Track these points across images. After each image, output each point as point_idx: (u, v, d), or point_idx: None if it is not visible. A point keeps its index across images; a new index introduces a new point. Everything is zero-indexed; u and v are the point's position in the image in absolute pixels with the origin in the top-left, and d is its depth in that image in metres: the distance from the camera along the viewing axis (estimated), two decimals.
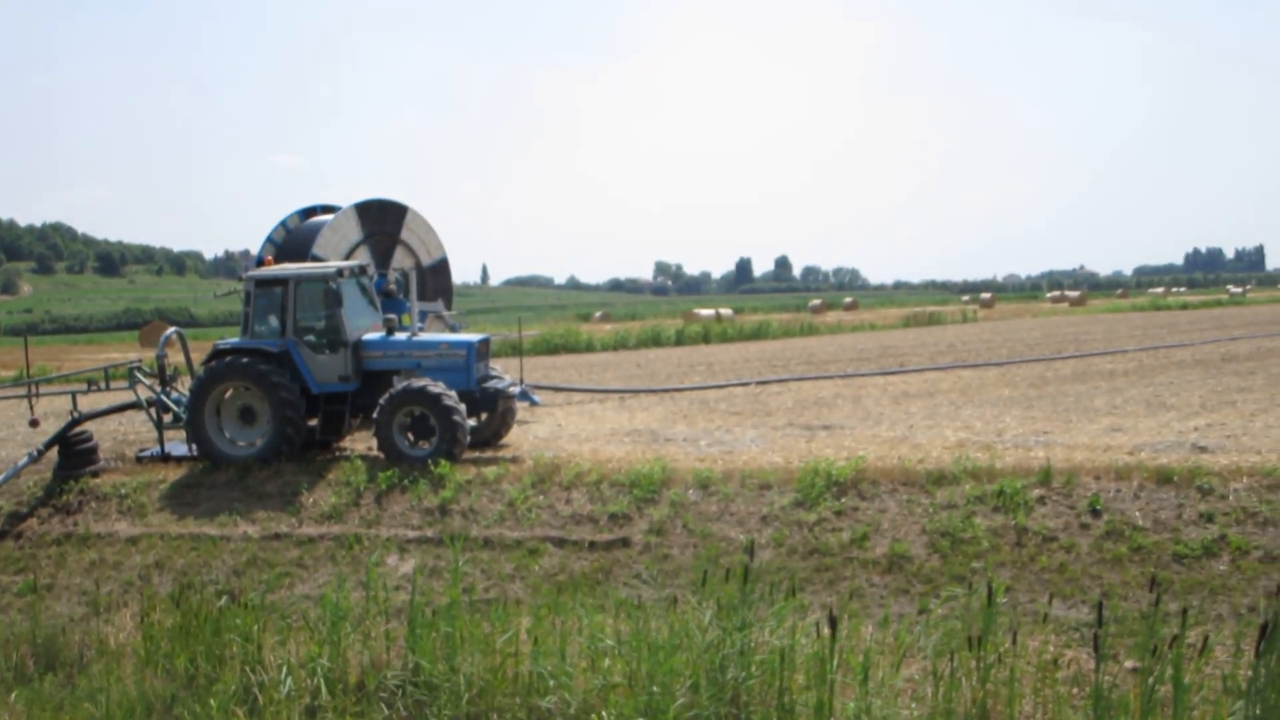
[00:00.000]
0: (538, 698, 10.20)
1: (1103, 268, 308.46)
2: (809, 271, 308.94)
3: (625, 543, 13.85)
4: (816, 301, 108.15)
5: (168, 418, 19.39)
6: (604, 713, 9.47)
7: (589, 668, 10.32)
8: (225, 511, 15.97)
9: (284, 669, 10.97)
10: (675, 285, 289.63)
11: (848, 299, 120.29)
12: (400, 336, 18.33)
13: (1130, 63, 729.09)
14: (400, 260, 25.92)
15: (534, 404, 19.31)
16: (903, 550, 12.71)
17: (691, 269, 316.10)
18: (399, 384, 17.27)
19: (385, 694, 10.74)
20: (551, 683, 10.18)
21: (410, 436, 16.90)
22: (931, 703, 9.32)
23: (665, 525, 13.98)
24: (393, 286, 23.35)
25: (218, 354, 17.98)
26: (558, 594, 12.39)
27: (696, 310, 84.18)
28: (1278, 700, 7.92)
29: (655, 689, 9.56)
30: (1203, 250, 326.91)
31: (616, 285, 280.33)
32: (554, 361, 40.04)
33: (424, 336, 18.75)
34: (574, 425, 20.74)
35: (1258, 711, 7.85)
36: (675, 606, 10.87)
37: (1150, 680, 8.52)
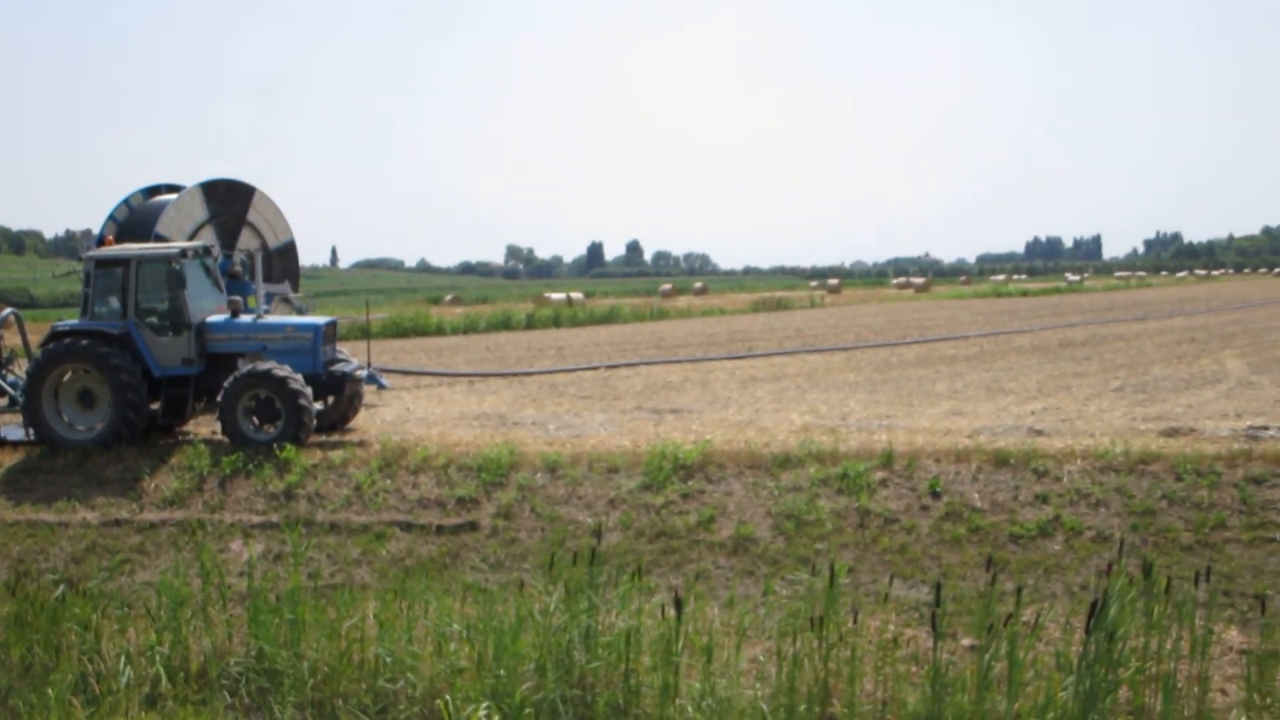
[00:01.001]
0: (384, 682, 10.12)
1: (947, 255, 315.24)
2: (660, 256, 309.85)
3: (473, 526, 13.80)
4: (667, 286, 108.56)
5: (3, 401, 18.84)
6: (450, 696, 9.42)
7: (435, 652, 10.26)
8: (64, 497, 15.54)
9: (123, 658, 10.72)
10: (527, 269, 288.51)
11: (698, 284, 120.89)
12: (245, 319, 17.99)
13: (970, 57, 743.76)
14: (246, 242, 25.52)
15: (382, 388, 19.12)
16: (748, 532, 12.85)
17: (543, 253, 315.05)
18: (244, 367, 16.95)
19: (227, 682, 10.56)
20: (397, 667, 10.11)
21: (255, 420, 16.62)
22: (775, 682, 9.44)
23: (513, 509, 13.95)
24: (238, 268, 22.96)
25: (56, 335, 17.46)
26: (404, 578, 12.29)
27: (548, 294, 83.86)
28: (1105, 674, 8.18)
29: (502, 672, 9.55)
30: (1043, 239, 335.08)
31: (468, 268, 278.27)
32: (403, 345, 39.66)
33: (270, 319, 18.44)
34: (422, 409, 20.59)
35: (1087, 685, 8.08)
36: (522, 590, 10.85)
37: (986, 657, 8.73)
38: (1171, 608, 9.30)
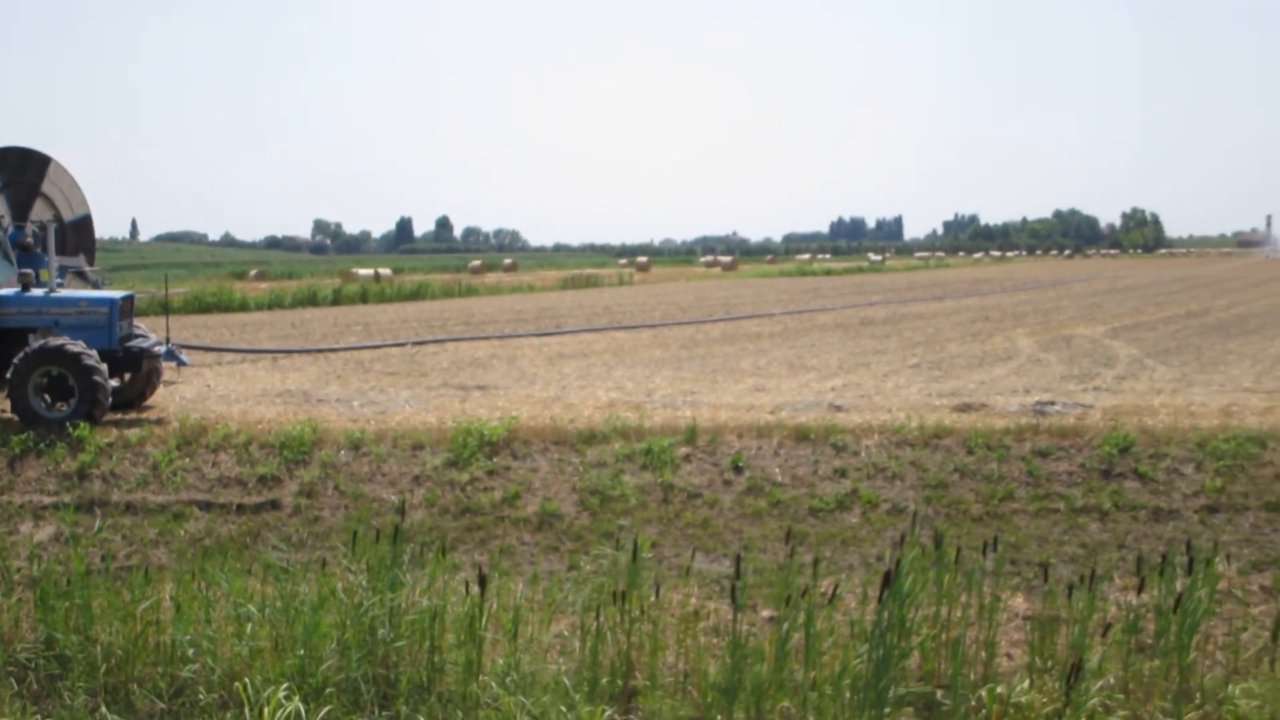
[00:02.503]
0: (180, 666, 9.92)
1: (754, 234, 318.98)
2: (470, 233, 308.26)
3: (274, 505, 13.58)
4: (476, 263, 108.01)
5: None
6: (249, 679, 9.28)
7: (235, 634, 10.09)
8: None
9: None
10: (334, 244, 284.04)
11: (507, 260, 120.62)
12: (37, 292, 17.35)
13: (775, 40, 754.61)
14: (40, 213, 24.69)
15: (181, 364, 18.63)
16: (553, 508, 12.90)
17: (352, 228, 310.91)
18: (35, 343, 16.36)
19: (15, 669, 10.22)
20: (194, 650, 9.92)
21: (47, 398, 16.07)
22: (579, 656, 9.51)
23: (316, 487, 13.77)
24: (30, 240, 22.19)
25: None
26: (203, 559, 12.05)
27: (355, 270, 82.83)
28: (898, 641, 8.42)
29: (303, 652, 9.43)
30: (847, 220, 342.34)
31: (274, 243, 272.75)
32: (205, 320, 38.76)
33: (63, 293, 17.82)
34: (224, 386, 20.18)
35: (880, 653, 8.32)
36: (325, 569, 10.73)
37: (785, 627, 8.91)
38: (961, 576, 9.61)
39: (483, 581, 9.50)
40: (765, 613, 10.46)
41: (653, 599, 9.71)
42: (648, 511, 12.75)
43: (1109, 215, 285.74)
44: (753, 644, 9.18)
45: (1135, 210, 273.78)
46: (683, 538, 12.27)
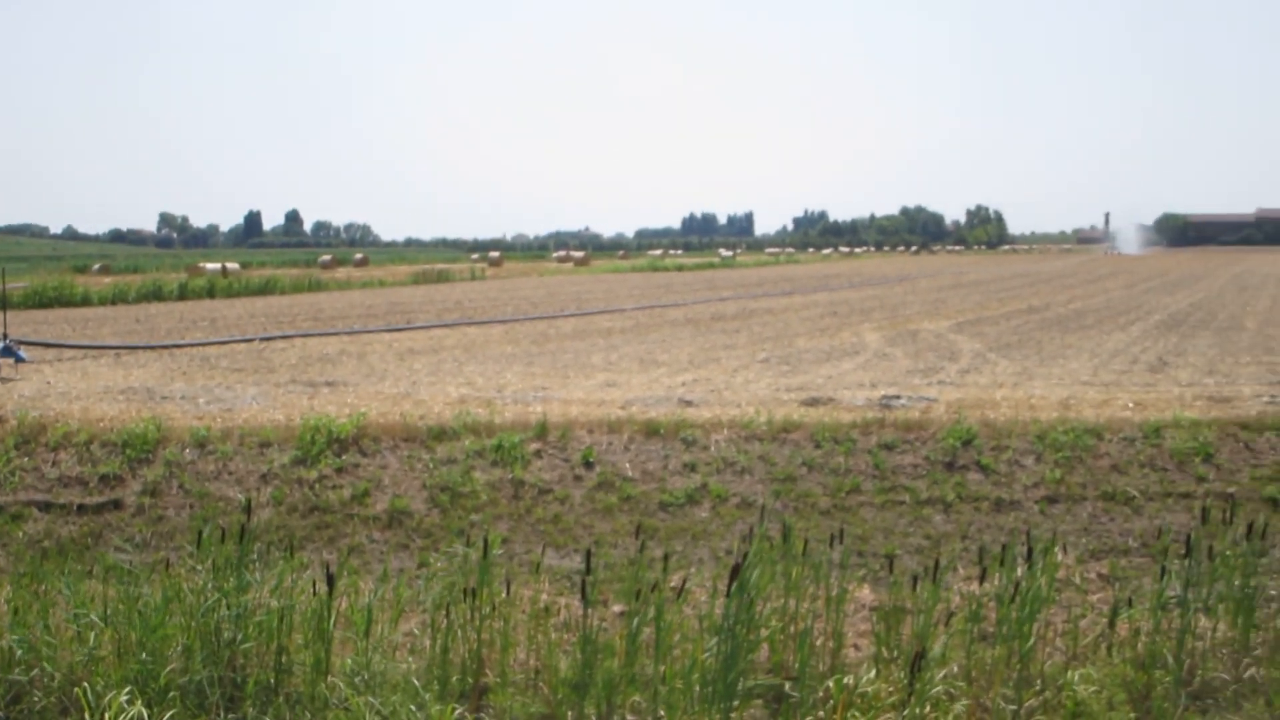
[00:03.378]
0: (17, 673, 9.64)
1: (607, 230, 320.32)
2: (320, 227, 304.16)
3: (117, 505, 13.26)
4: (327, 257, 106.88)
5: None
6: (90, 684, 9.05)
7: (75, 638, 9.83)
8: None
9: None
10: (181, 238, 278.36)
11: (359, 255, 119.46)
12: None
13: (627, 36, 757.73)
14: None
15: (20, 361, 18.15)
16: (403, 505, 12.79)
17: (199, 221, 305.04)
18: None
19: None
20: (32, 656, 9.64)
21: None
22: (429, 655, 9.43)
23: (160, 486, 13.48)
24: None
25: None
26: (41, 561, 11.72)
27: (202, 264, 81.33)
28: (746, 634, 8.49)
29: (145, 656, 9.23)
30: (699, 216, 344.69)
31: (118, 236, 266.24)
32: (45, 316, 37.75)
33: None
34: (64, 383, 19.64)
35: (729, 647, 8.38)
36: (169, 570, 10.50)
37: (635, 622, 8.93)
38: (809, 569, 9.73)
39: (330, 580, 9.38)
40: (616, 608, 10.49)
41: (504, 596, 9.67)
42: (499, 508, 12.70)
43: (954, 212, 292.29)
44: (603, 639, 9.19)
45: (979, 207, 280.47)
46: (534, 534, 12.26)
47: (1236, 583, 9.76)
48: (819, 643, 9.49)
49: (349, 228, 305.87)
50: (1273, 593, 10.43)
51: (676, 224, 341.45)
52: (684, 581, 9.78)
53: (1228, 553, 9.96)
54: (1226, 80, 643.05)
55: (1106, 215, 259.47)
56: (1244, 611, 9.64)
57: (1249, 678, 9.27)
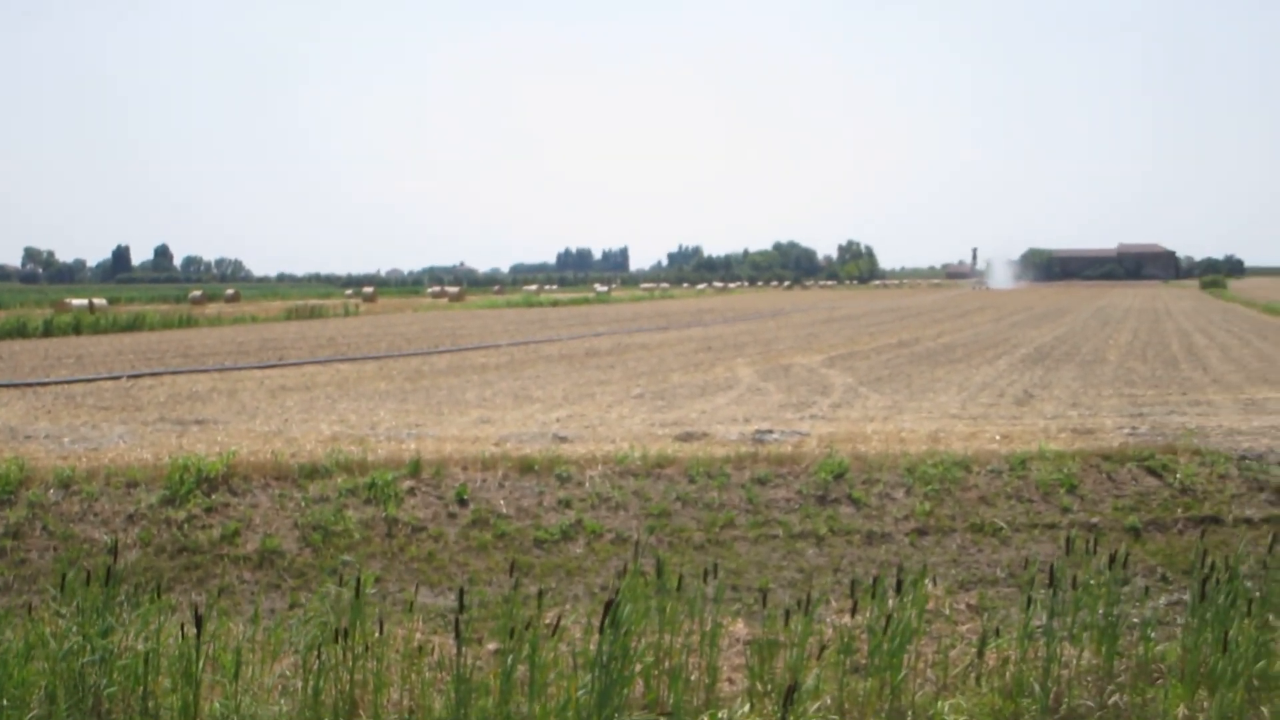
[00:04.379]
0: None
1: (482, 265, 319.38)
2: (191, 261, 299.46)
3: None
4: (197, 293, 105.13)
5: None
6: None
7: None
8: None
9: None
10: (46, 273, 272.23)
11: (230, 290, 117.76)
12: None
13: (497, 71, 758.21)
14: None
15: None
16: (275, 545, 12.61)
17: (65, 255, 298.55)
18: None
19: None
20: None
21: None
22: (301, 697, 9.30)
23: (22, 528, 13.13)
24: None
25: None
26: None
27: (69, 300, 79.58)
28: (619, 670, 8.50)
29: (5, 703, 8.99)
30: (574, 251, 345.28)
31: None
32: None
33: None
34: None
35: (603, 683, 8.38)
36: (32, 614, 10.24)
37: (509, 660, 8.89)
38: (683, 603, 9.76)
39: (199, 622, 9.21)
40: (491, 645, 10.43)
41: (377, 635, 9.57)
42: (371, 546, 12.58)
43: (826, 248, 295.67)
44: (478, 678, 9.13)
45: (851, 243, 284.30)
46: (408, 572, 12.15)
47: (1100, 611, 9.98)
48: (693, 677, 9.52)
49: (220, 263, 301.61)
50: (1135, 620, 10.67)
51: (552, 259, 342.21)
52: (558, 618, 9.76)
53: (1091, 582, 10.18)
54: (1087, 121, 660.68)
55: (974, 250, 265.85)
56: (1107, 639, 9.86)
57: (1112, 704, 9.48)
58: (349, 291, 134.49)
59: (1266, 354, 34.79)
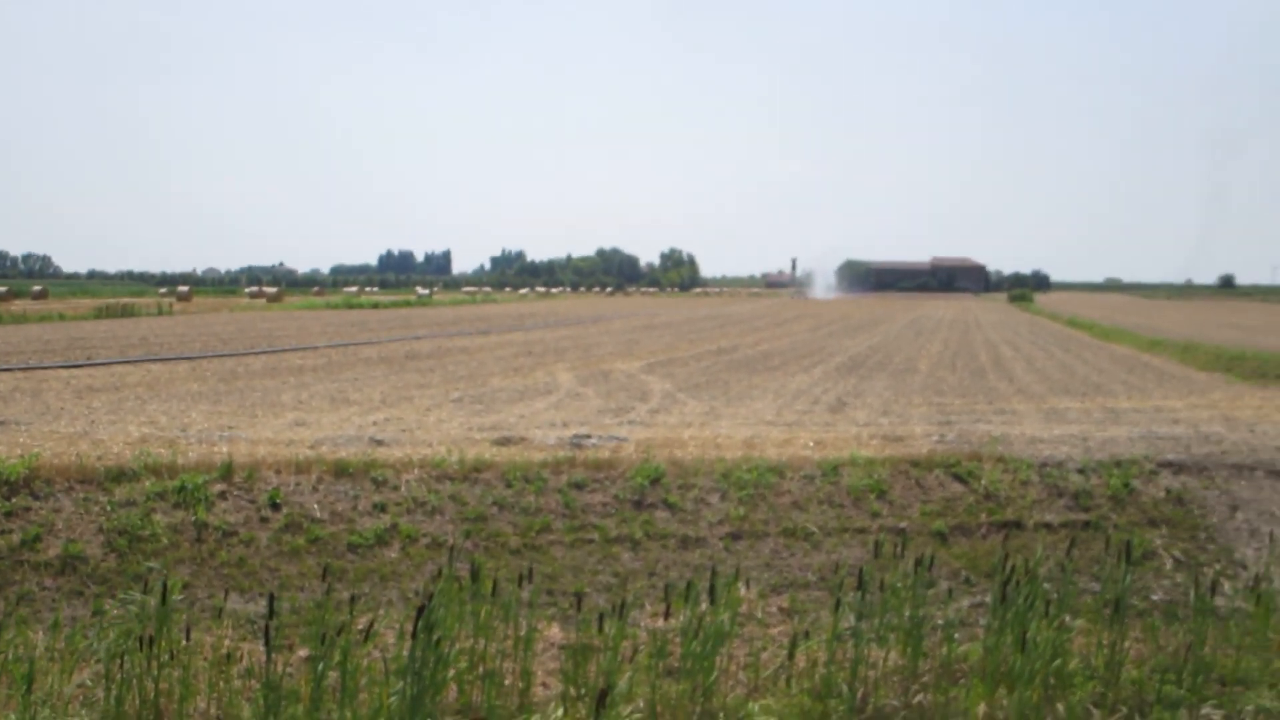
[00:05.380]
0: None
1: (302, 265, 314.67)
2: None
3: None
4: (2, 289, 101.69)
5: None
6: None
7: None
8: None
9: None
10: None
11: (37, 287, 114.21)
12: None
13: (322, 69, 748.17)
14: None
15: None
16: (77, 551, 12.23)
17: None
18: None
19: None
20: None
21: None
22: (103, 706, 9.07)
23: None
24: None
25: None
26: None
27: None
28: (432, 676, 8.45)
29: None
30: (396, 253, 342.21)
31: None
32: None
33: None
34: None
35: (416, 689, 8.33)
36: None
37: (321, 667, 8.79)
38: (499, 608, 9.76)
39: None
40: (302, 652, 10.28)
41: (184, 643, 9.37)
42: (180, 551, 12.29)
43: (649, 255, 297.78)
44: (288, 685, 9.01)
45: (673, 250, 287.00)
46: (217, 578, 11.90)
47: (906, 613, 10.24)
48: (508, 682, 9.52)
49: (27, 258, 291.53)
50: (939, 622, 10.97)
51: (374, 261, 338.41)
52: (371, 623, 9.69)
53: (898, 585, 10.44)
54: (905, 136, 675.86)
55: (793, 260, 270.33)
56: (913, 640, 10.12)
57: (917, 703, 9.74)
58: (163, 290, 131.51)
59: (1068, 365, 36.06)
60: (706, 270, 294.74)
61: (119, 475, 13.54)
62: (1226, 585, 12.61)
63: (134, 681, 9.07)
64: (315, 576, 11.76)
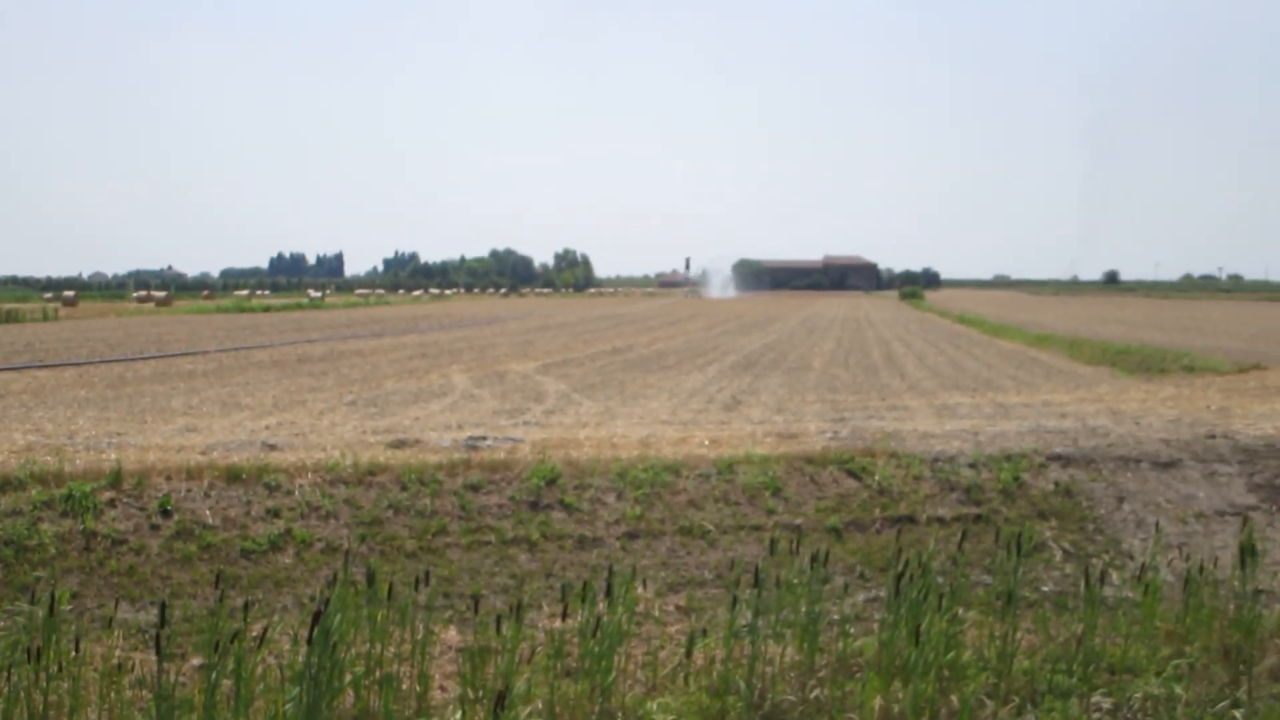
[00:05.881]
0: None
1: (191, 269, 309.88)
2: None
3: None
4: None
5: None
6: None
7: None
8: None
9: None
10: None
11: None
12: None
13: (209, 69, 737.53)
14: None
15: None
16: None
17: None
18: None
19: None
20: None
21: None
22: None
23: None
24: None
25: None
26: None
27: None
28: (329, 682, 8.39)
29: None
30: (287, 256, 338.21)
31: None
32: None
33: None
34: None
35: (311, 696, 8.26)
36: None
37: (214, 675, 8.68)
38: (395, 612, 9.71)
39: None
40: (195, 660, 10.15)
41: (73, 654, 9.21)
42: (68, 561, 12.06)
43: (543, 256, 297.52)
44: (181, 694, 8.88)
45: (567, 251, 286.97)
46: (107, 587, 11.70)
47: (802, 609, 10.34)
48: (405, 686, 9.47)
49: None
50: (835, 617, 11.09)
51: (264, 264, 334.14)
52: (265, 630, 9.57)
53: (794, 581, 10.55)
54: (796, 136, 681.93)
55: (687, 260, 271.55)
56: (809, 636, 10.23)
57: (814, 699, 9.83)
58: (48, 295, 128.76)
59: (958, 361, 36.60)
60: (601, 270, 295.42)
61: (4, 484, 13.25)
62: (1114, 575, 12.87)
63: (21, 695, 8.88)
64: (208, 584, 11.61)
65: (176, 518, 12.76)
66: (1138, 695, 10.08)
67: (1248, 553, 11.08)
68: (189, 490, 13.28)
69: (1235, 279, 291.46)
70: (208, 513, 12.87)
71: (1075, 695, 10.00)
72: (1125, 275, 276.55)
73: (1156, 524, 13.87)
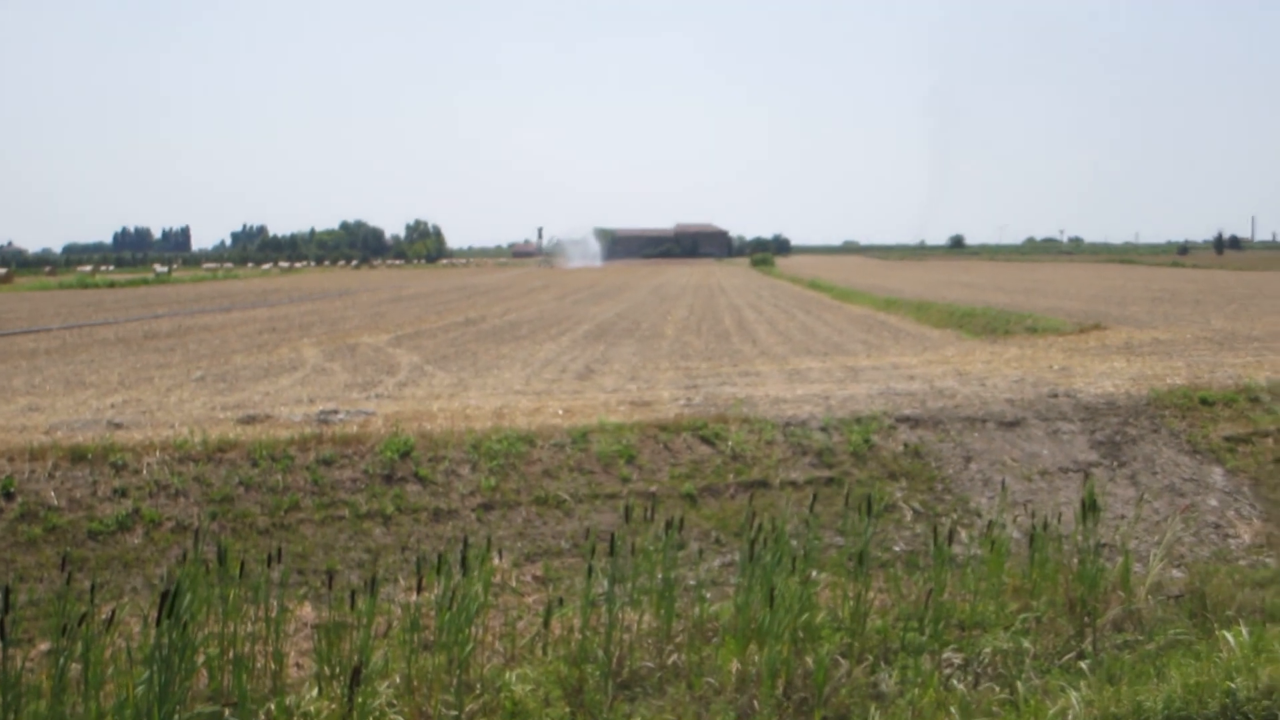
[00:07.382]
0: None
1: (32, 244, 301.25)
2: None
3: None
4: None
5: None
6: None
7: None
8: None
9: None
10: None
11: None
12: None
13: (49, 39, 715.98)
14: None
15: None
16: None
17: None
18: None
19: None
20: None
21: None
22: None
23: None
24: None
25: None
26: None
27: None
28: (181, 662, 8.28)
29: None
30: (132, 230, 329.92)
31: None
32: None
33: None
34: None
35: (163, 678, 8.15)
36: None
37: (61, 660, 8.52)
38: (248, 590, 9.61)
39: None
40: (42, 645, 9.95)
41: None
42: None
43: (394, 227, 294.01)
44: (29, 680, 8.71)
45: (419, 222, 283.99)
46: None
47: (658, 576, 10.46)
48: (260, 664, 9.40)
49: None
50: (691, 582, 11.24)
51: (108, 239, 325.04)
52: (114, 612, 9.41)
53: (649, 548, 10.67)
54: (647, 103, 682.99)
55: (540, 230, 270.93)
56: (665, 602, 10.35)
57: (671, 664, 9.97)
58: None
59: (809, 326, 37.08)
60: (453, 241, 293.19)
61: None
62: (963, 533, 13.23)
63: None
64: (54, 567, 11.35)
65: (19, 500, 12.44)
66: (987, 650, 10.38)
67: (1089, 508, 11.46)
68: (32, 471, 12.96)
69: (1076, 242, 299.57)
70: (52, 494, 12.57)
71: (927, 652, 10.27)
72: (970, 239, 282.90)
73: (1003, 482, 14.25)
